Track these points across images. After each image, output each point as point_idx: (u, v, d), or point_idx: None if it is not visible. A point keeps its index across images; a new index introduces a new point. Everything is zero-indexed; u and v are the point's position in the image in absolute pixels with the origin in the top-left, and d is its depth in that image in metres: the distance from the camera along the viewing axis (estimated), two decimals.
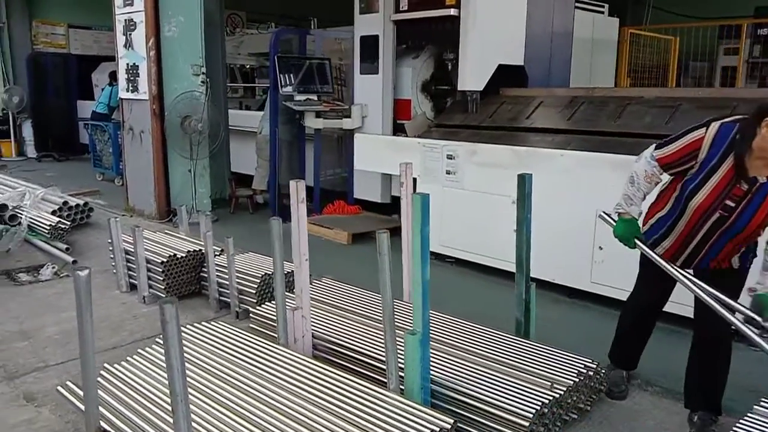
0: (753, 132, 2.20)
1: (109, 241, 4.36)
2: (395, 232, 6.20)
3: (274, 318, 3.32)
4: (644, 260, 2.75)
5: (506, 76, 5.61)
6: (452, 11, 5.22)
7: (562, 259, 4.18)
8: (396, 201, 6.16)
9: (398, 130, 6.04)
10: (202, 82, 6.42)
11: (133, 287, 4.34)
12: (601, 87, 5.71)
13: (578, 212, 4.06)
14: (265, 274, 3.80)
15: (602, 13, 7.76)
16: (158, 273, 4.07)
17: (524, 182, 2.96)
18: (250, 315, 3.55)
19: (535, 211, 4.30)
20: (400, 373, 2.47)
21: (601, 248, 3.99)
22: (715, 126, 2.29)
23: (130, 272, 4.34)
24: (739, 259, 2.47)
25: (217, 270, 3.98)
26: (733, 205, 2.29)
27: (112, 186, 8.43)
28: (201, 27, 6.39)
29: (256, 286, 3.76)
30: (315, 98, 6.16)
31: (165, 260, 4.02)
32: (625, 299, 4.01)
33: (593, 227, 4.01)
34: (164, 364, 1.85)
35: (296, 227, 2.89)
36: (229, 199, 6.96)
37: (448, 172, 4.79)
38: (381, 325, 3.21)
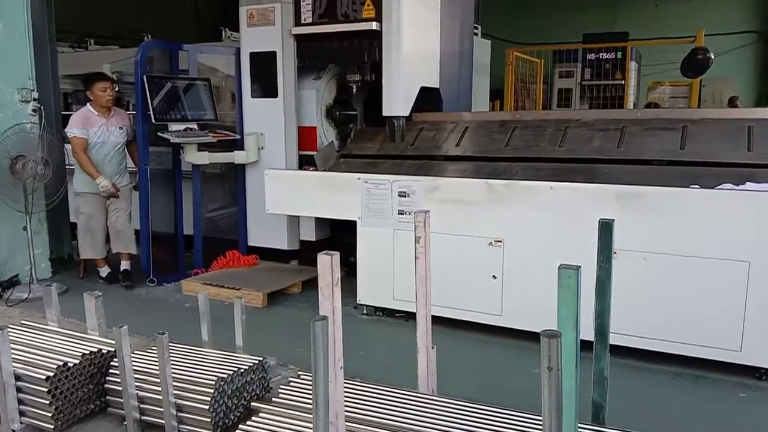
0: None
1: None
2: (312, 284, 5.33)
3: None
4: None
5: (418, 99, 5.01)
6: (374, 25, 4.49)
7: (555, 307, 3.62)
8: (307, 246, 5.22)
9: (302, 162, 5.14)
10: (34, 110, 4.91)
11: None
12: (527, 111, 5.39)
13: (574, 251, 3.51)
14: (219, 379, 2.69)
15: (477, 34, 7.58)
16: (39, 394, 2.71)
17: (608, 230, 2.32)
18: None
19: (522, 254, 3.76)
20: None
21: None
22: None
23: None
24: None
25: (136, 379, 2.75)
26: None
27: None
28: (29, 38, 4.88)
29: (209, 398, 2.63)
30: (195, 127, 4.99)
31: (52, 374, 2.69)
32: (632, 346, 3.55)
33: (594, 267, 3.51)
34: None
35: (331, 319, 1.93)
36: (80, 261, 5.39)
37: (400, 212, 4.02)
38: None
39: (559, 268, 1.68)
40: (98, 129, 4.92)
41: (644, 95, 12.37)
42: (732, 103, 8.57)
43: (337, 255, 1.97)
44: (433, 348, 2.80)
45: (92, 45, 9.20)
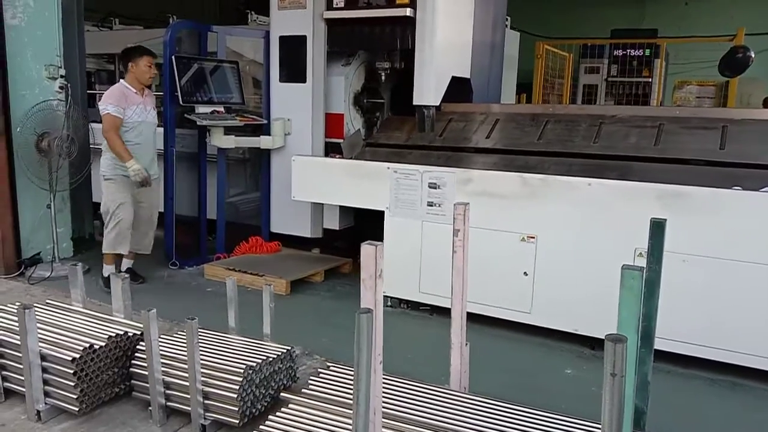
0: None
1: None
2: (335, 273, 5.30)
3: None
4: None
5: (447, 89, 4.90)
6: (408, 11, 4.39)
7: (587, 307, 3.54)
8: (330, 234, 5.16)
9: (328, 149, 5.06)
10: (61, 87, 4.88)
11: (9, 394, 2.88)
12: (560, 105, 5.28)
13: (611, 251, 3.45)
14: (248, 368, 2.63)
15: (506, 26, 7.44)
16: (64, 375, 2.68)
17: (660, 230, 2.22)
18: None
19: (556, 251, 3.66)
20: None
21: None
22: None
23: (5, 373, 2.86)
24: None
25: (162, 364, 2.71)
26: None
27: None
28: (58, 15, 4.83)
29: (237, 387, 2.57)
30: (222, 110, 4.93)
31: (78, 356, 2.65)
32: (665, 349, 3.43)
33: None
34: None
35: (374, 311, 1.86)
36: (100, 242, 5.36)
37: (430, 204, 3.94)
38: None
39: (622, 268, 1.59)
40: (137, 107, 4.38)
41: (670, 94, 12.16)
42: (766, 104, 8.34)
43: (381, 245, 1.89)
44: (466, 345, 2.73)
45: (116, 24, 9.18)
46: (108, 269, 4.46)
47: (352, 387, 2.54)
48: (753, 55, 6.49)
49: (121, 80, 4.50)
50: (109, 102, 4.29)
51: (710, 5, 12.28)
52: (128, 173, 4.30)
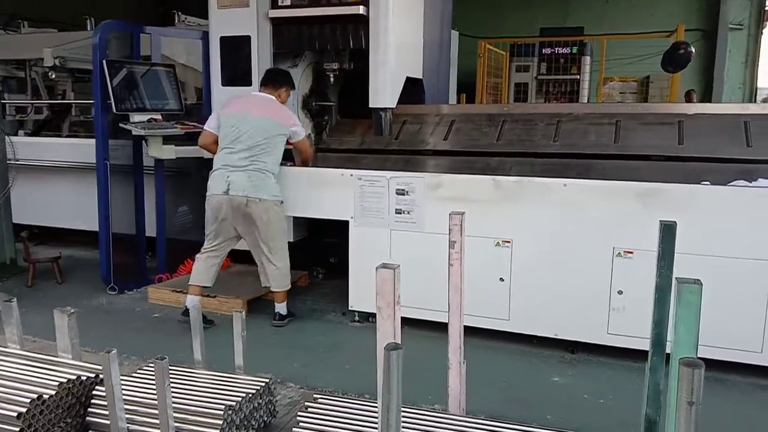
0: None
1: None
2: (291, 289, 4.87)
3: None
4: None
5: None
6: (360, 9, 4.17)
7: (567, 310, 3.45)
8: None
9: None
10: None
11: None
12: (515, 104, 5.21)
13: (589, 252, 3.38)
14: (227, 408, 2.34)
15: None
16: None
17: (670, 233, 2.12)
18: None
19: (532, 255, 3.55)
20: None
21: (620, 293, 3.35)
22: None
23: None
24: None
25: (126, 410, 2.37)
26: None
27: None
28: None
29: (217, 431, 2.28)
30: (160, 118, 4.54)
31: (24, 410, 2.27)
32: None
33: (609, 268, 3.35)
34: None
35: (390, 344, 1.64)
36: (28, 267, 4.83)
37: (398, 212, 3.74)
38: None
39: (678, 282, 1.45)
40: None
41: (595, 90, 12.52)
42: (688, 96, 8.72)
43: (398, 268, 1.68)
44: (463, 363, 2.55)
45: (25, 27, 8.43)
46: (281, 307, 4.07)
47: (348, 422, 2.32)
48: (693, 51, 6.71)
49: (276, 99, 4.09)
50: (298, 122, 4.15)
51: (630, 3, 12.73)
52: None
